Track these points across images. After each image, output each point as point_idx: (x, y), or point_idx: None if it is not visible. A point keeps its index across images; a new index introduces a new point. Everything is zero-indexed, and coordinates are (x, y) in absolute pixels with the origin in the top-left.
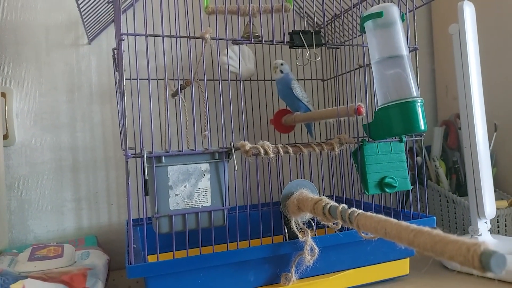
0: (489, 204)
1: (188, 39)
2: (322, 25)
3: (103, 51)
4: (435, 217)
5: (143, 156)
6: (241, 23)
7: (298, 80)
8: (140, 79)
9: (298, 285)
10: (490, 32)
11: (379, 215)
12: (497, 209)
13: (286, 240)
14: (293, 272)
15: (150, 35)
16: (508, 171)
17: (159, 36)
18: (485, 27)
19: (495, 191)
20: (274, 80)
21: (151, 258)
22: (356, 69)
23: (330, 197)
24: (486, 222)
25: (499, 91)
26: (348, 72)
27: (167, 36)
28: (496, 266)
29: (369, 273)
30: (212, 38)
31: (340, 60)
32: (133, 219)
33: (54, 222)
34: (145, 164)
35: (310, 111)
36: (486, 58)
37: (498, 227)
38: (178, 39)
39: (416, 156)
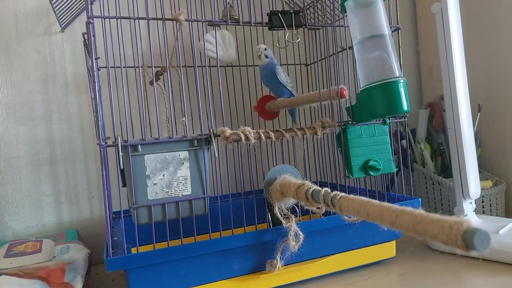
0: (474, 184)
1: (162, 21)
2: (303, 8)
3: (77, 39)
4: (420, 199)
5: (117, 145)
6: (220, 7)
7: (281, 65)
8: (115, 67)
9: (284, 272)
10: (473, 11)
11: (362, 197)
12: (482, 189)
13: (270, 226)
14: (278, 258)
15: (120, 18)
16: (493, 151)
17: (129, 18)
18: (468, 6)
19: (479, 171)
20: (257, 65)
21: (135, 251)
22: (339, 52)
23: (315, 182)
24: (471, 203)
25: (483, 71)
26: (331, 55)
27: (138, 18)
28: (480, 244)
29: (355, 257)
30: (186, 20)
31: (323, 44)
32: (115, 211)
33: (33, 217)
34: (120, 153)
35: (294, 96)
36: (470, 37)
37: (483, 207)
38: (154, 22)
39: (401, 139)
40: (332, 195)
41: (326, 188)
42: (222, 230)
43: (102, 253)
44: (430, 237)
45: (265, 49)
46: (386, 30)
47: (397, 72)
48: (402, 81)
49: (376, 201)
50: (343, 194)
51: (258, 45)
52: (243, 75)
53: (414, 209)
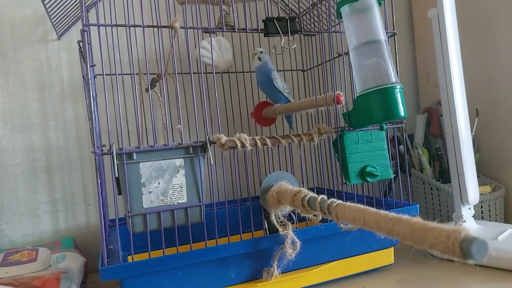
0: (473, 190)
1: (158, 29)
2: (299, 14)
3: (74, 46)
4: (418, 205)
5: (112, 153)
6: (215, 13)
7: (277, 71)
8: (111, 74)
9: (281, 280)
10: (470, 15)
11: (358, 205)
12: (481, 194)
13: (266, 234)
14: (275, 266)
15: (115, 25)
16: (491, 156)
17: (125, 26)
18: (464, 11)
19: (478, 176)
20: (253, 72)
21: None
22: (335, 57)
23: (312, 189)
24: (470, 208)
25: (479, 76)
26: (327, 61)
27: (133, 26)
28: (478, 252)
29: (353, 264)
30: (181, 27)
31: (319, 50)
32: (111, 219)
33: (30, 225)
34: (115, 161)
35: (290, 103)
36: (466, 42)
37: (482, 212)
38: (150, 30)
39: (399, 145)
40: (328, 202)
41: (323, 196)
42: (218, 237)
43: (98, 261)
44: (427, 246)
45: (261, 52)
46: (382, 36)
47: (393, 77)
48: (398, 86)
49: (373, 209)
50: (339, 201)
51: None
52: (239, 81)
53: (411, 217)
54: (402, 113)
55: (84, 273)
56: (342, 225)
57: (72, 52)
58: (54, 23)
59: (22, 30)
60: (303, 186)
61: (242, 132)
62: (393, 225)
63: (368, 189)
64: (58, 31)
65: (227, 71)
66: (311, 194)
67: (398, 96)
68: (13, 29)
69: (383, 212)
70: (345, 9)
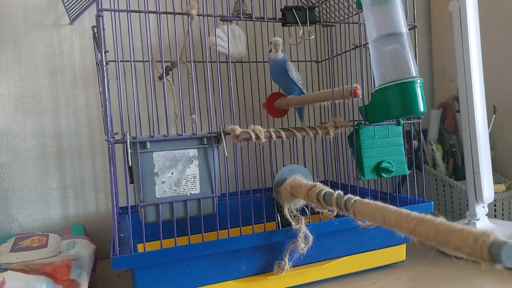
0: (488, 188)
1: (173, 15)
2: (316, 3)
3: (86, 31)
4: (432, 202)
5: (125, 141)
6: (231, 1)
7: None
8: (124, 61)
9: (292, 273)
10: (489, 10)
11: (377, 202)
12: (495, 193)
13: (279, 227)
14: (287, 260)
15: (130, 11)
16: (506, 154)
17: (140, 12)
18: (482, 5)
19: (492, 174)
20: (266, 61)
21: (141, 247)
22: (352, 49)
23: (325, 182)
24: (484, 207)
25: (498, 72)
26: (343, 52)
27: (149, 12)
28: (507, 257)
29: (364, 260)
30: (198, 15)
31: (335, 41)
32: (121, 207)
33: (39, 210)
34: (128, 150)
35: (304, 94)
36: (485, 36)
37: (495, 211)
38: (164, 16)
39: (413, 140)
40: (345, 198)
41: (339, 191)
42: (230, 228)
43: (108, 248)
44: (452, 248)
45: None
46: (404, 28)
47: (414, 71)
48: (419, 81)
49: (393, 207)
50: (357, 198)
51: (274, 37)
52: (252, 71)
53: (434, 217)
54: (421, 108)
55: (94, 261)
56: (359, 222)
57: (84, 37)
58: (67, 7)
59: (34, 14)
60: (317, 180)
61: (253, 122)
62: (416, 225)
63: (381, 183)
64: (70, 16)
65: (240, 60)
66: (327, 189)
67: (419, 91)
68: (25, 13)
69: (404, 211)
70: (365, 0)
